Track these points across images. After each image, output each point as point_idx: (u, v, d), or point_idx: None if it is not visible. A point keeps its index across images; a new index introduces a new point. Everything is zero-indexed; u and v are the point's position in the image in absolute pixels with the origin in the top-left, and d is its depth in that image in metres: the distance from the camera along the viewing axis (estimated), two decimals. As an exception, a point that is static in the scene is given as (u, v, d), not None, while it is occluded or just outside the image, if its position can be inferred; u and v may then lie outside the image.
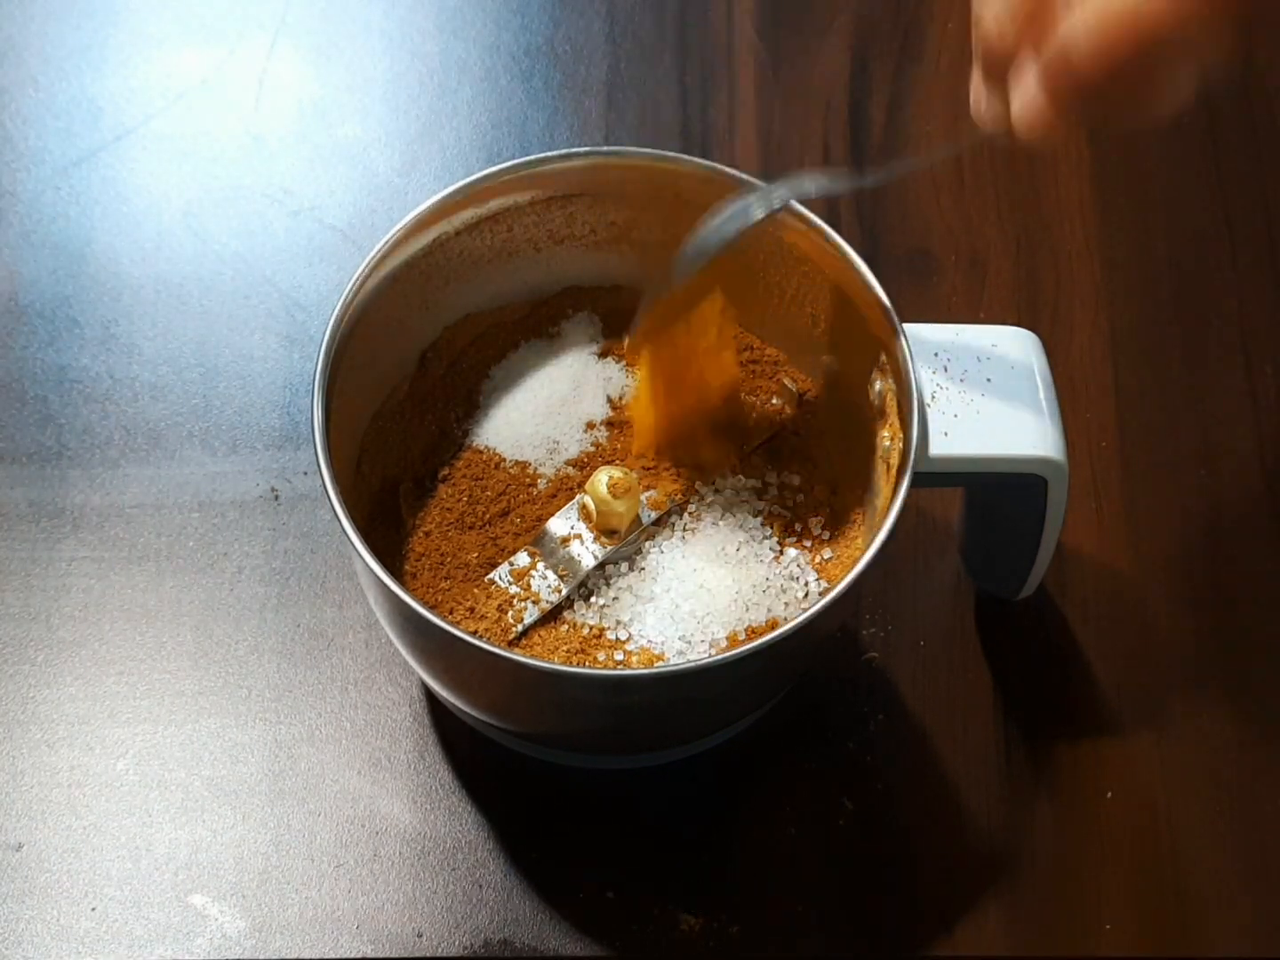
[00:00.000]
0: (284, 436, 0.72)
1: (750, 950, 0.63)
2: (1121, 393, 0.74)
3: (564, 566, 0.61)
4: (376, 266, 0.61)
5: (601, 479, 0.61)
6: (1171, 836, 0.65)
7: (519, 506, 0.63)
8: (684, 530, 0.62)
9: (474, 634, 0.57)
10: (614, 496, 0.60)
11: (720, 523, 0.63)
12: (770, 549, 0.62)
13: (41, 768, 0.66)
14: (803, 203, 0.62)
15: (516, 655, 0.56)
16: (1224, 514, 0.71)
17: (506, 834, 0.65)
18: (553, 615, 0.61)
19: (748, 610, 0.61)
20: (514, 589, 0.61)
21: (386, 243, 0.61)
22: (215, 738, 0.66)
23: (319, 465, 0.57)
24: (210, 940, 0.63)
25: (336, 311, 0.60)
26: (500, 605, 0.61)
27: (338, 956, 0.63)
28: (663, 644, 0.60)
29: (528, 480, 0.64)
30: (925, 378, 0.60)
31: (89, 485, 0.71)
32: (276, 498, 0.71)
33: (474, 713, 0.63)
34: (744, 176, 0.62)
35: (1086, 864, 0.64)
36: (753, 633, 0.60)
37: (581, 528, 0.62)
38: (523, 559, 0.62)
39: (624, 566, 0.62)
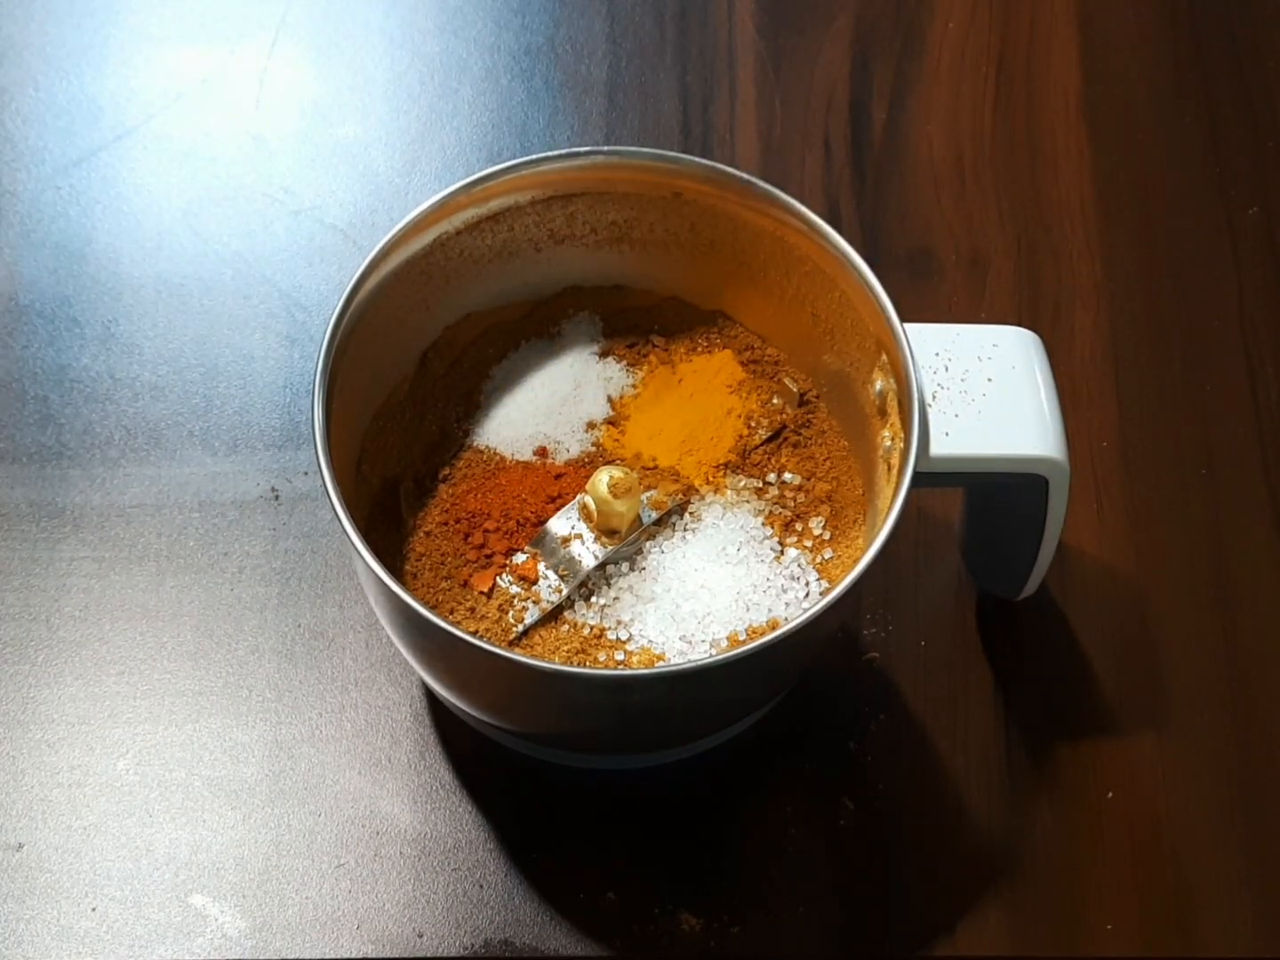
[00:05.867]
0: (284, 436, 0.72)
1: (750, 950, 0.63)
2: (1122, 393, 0.74)
3: (565, 566, 0.61)
4: (377, 266, 0.61)
5: (602, 479, 0.61)
6: (1171, 836, 0.65)
7: (519, 506, 0.63)
8: (685, 530, 0.62)
9: (474, 634, 0.57)
10: (614, 496, 0.60)
11: (720, 523, 0.63)
12: (771, 549, 0.62)
13: (41, 768, 0.66)
14: (803, 202, 0.62)
15: (517, 655, 0.56)
16: (1224, 514, 0.71)
17: (506, 834, 0.65)
18: (553, 615, 0.61)
19: (748, 610, 0.61)
20: (515, 589, 0.61)
21: (387, 242, 0.61)
22: (215, 738, 0.66)
23: (319, 465, 0.57)
24: (210, 940, 0.63)
25: (336, 311, 0.60)
26: (501, 605, 0.61)
27: (338, 956, 0.63)
28: (663, 644, 0.60)
29: (528, 480, 0.64)
30: (926, 378, 0.60)
31: (89, 485, 0.71)
32: (277, 498, 0.71)
33: (474, 713, 0.63)
34: (744, 176, 0.62)
35: (1086, 864, 0.64)
36: (753, 633, 0.60)
37: (582, 528, 0.62)
38: (523, 559, 0.62)
39: (625, 566, 0.62)
